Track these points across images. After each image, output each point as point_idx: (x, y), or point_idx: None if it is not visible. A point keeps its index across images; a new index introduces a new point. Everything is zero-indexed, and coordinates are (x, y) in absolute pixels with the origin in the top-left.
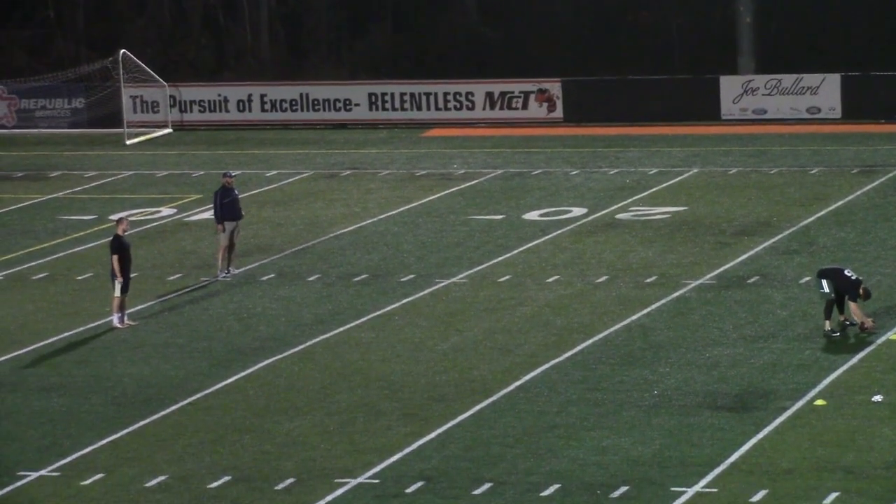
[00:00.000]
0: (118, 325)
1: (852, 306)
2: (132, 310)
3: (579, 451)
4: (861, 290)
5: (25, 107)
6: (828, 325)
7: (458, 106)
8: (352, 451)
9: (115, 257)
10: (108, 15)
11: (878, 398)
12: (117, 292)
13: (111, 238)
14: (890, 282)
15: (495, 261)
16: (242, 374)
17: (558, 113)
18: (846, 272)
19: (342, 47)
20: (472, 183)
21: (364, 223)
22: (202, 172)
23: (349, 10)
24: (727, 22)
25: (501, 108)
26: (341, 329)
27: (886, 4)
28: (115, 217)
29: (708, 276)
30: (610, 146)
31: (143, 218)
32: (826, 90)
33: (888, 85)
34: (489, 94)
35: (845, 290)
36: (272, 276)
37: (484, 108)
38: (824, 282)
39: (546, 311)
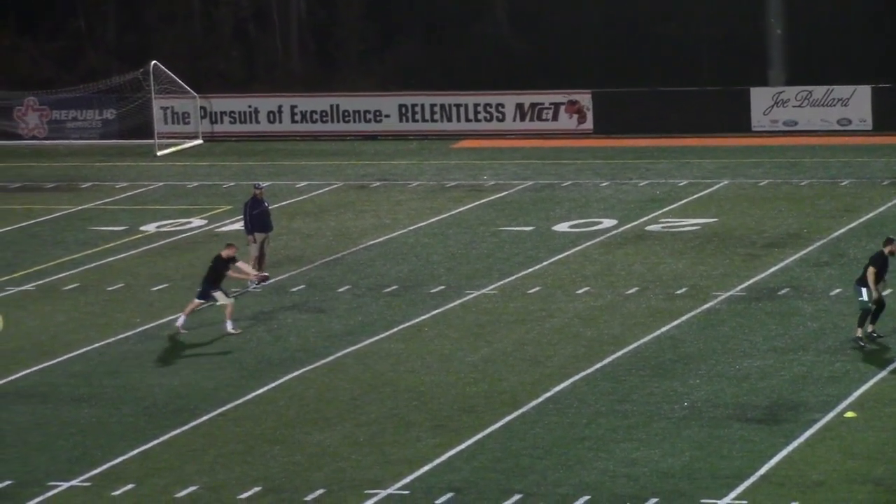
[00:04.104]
0: (231, 331)
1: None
2: (164, 320)
3: (609, 463)
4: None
5: (56, 118)
6: (859, 332)
7: (489, 117)
8: (381, 462)
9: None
10: (138, 26)
11: None
12: (222, 300)
13: (216, 256)
14: None
15: (525, 272)
16: (272, 384)
17: (588, 124)
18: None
19: (372, 59)
20: (502, 194)
21: (394, 234)
22: (233, 183)
23: (379, 21)
24: (758, 33)
25: (532, 119)
26: (371, 340)
27: None
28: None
29: (738, 288)
30: (640, 158)
31: (173, 229)
32: (857, 102)
33: None
34: (519, 106)
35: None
36: (302, 287)
37: (514, 120)
38: (864, 290)
39: (576, 322)
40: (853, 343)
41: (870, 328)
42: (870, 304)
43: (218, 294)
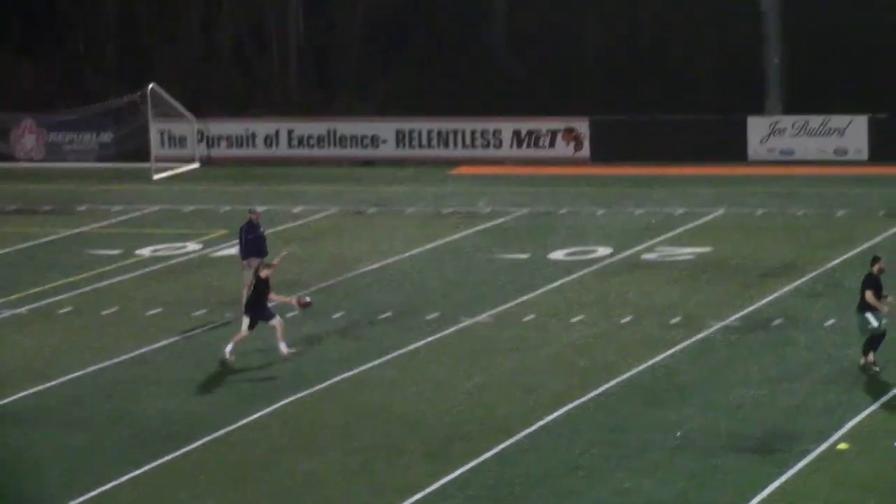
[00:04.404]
0: (227, 356)
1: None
2: (159, 344)
3: (602, 493)
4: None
5: (54, 140)
6: (870, 357)
7: (486, 144)
8: (372, 490)
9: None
10: (137, 49)
11: None
12: (243, 326)
13: (257, 278)
14: None
15: (520, 300)
16: (266, 410)
17: (585, 152)
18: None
19: (370, 83)
20: (499, 221)
21: (389, 261)
22: (229, 208)
23: (377, 46)
24: (755, 63)
25: (529, 146)
26: (365, 367)
27: None
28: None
29: (733, 318)
30: (636, 186)
31: (169, 253)
32: (853, 132)
33: None
34: (516, 133)
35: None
36: (296, 312)
37: (511, 147)
38: (869, 315)
39: (570, 351)
40: (866, 370)
41: (862, 360)
42: (881, 328)
43: (244, 318)
